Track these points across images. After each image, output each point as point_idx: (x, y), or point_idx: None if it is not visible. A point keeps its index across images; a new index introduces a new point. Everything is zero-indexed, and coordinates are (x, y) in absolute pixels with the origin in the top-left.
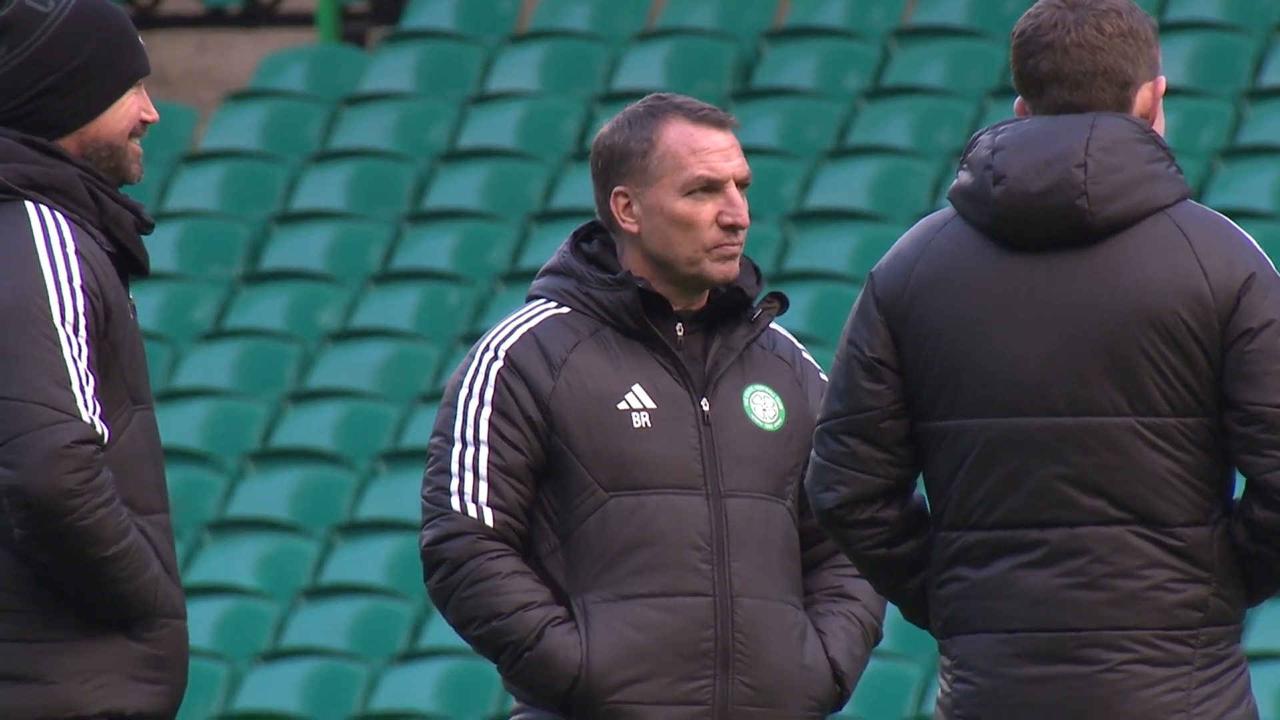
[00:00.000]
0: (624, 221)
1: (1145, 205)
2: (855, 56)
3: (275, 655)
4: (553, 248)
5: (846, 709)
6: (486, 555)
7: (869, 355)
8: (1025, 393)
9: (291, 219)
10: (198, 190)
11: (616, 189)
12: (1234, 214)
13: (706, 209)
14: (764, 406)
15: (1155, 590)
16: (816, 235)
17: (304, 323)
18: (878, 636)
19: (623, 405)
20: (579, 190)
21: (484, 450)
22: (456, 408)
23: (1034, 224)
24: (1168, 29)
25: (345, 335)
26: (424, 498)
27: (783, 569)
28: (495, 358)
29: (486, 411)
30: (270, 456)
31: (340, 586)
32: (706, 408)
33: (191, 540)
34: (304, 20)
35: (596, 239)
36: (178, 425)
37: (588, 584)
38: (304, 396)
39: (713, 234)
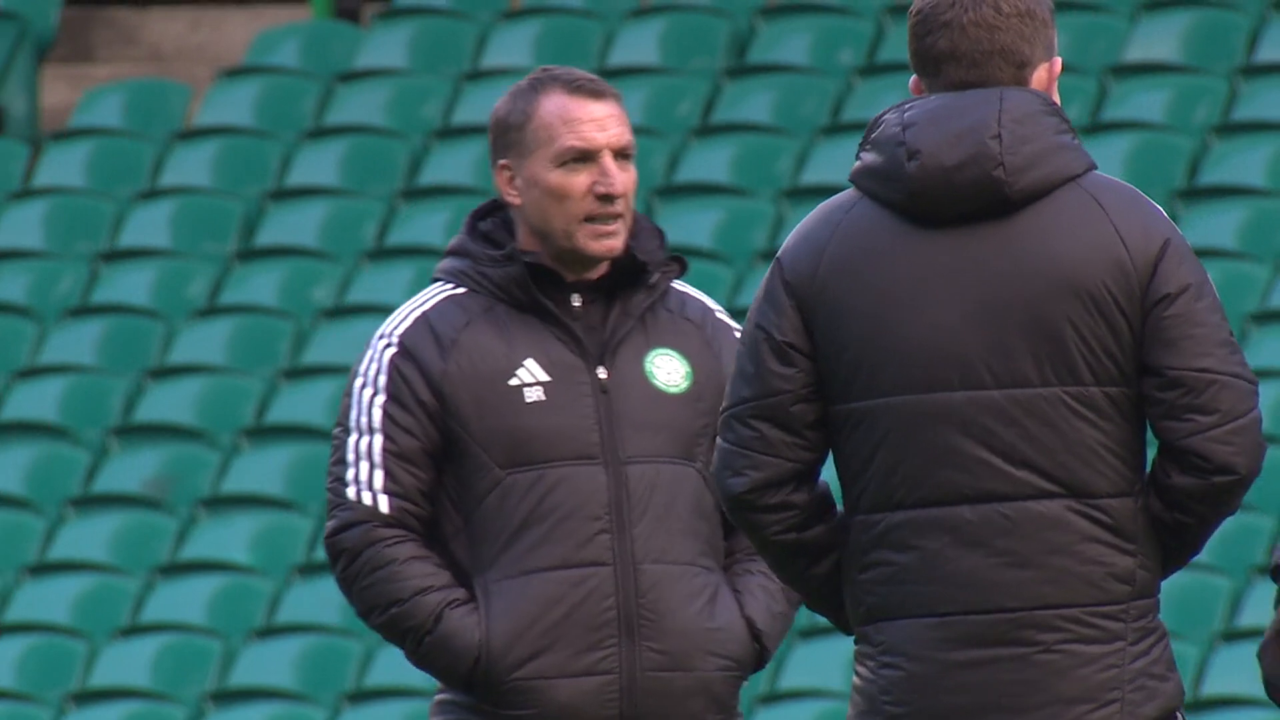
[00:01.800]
0: (508, 194)
1: (1058, 175)
2: (850, 33)
3: (269, 632)
4: None
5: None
6: (383, 543)
7: (779, 339)
8: (948, 367)
9: (285, 195)
10: (191, 167)
11: (500, 162)
12: (1229, 190)
13: (579, 179)
14: (668, 370)
15: (1086, 565)
16: (810, 211)
17: (298, 299)
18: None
19: (514, 381)
20: None
21: (378, 438)
22: (353, 397)
23: (950, 198)
24: (1161, 5)
25: (339, 311)
26: (326, 489)
27: (691, 532)
28: (389, 344)
29: (380, 399)
30: (264, 433)
31: None
32: (603, 375)
33: (185, 517)
34: None
35: (493, 217)
36: (171, 402)
37: (488, 563)
38: (298, 373)
39: (586, 204)
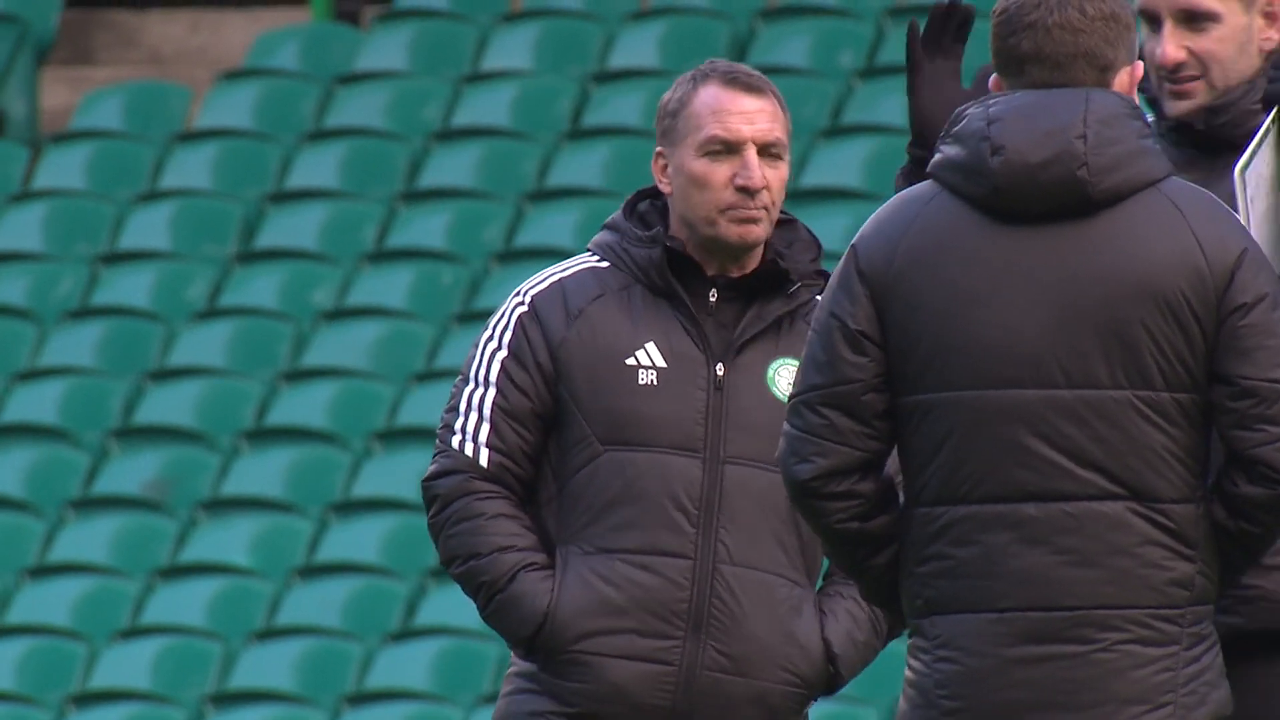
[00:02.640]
0: (661, 182)
1: (1140, 179)
2: (849, 35)
3: (269, 634)
4: (547, 226)
5: None
6: (475, 495)
7: (853, 327)
8: (1021, 365)
9: (285, 198)
10: (191, 169)
11: (657, 149)
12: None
13: (721, 170)
14: (789, 380)
15: (1147, 568)
16: (812, 214)
17: (298, 301)
18: (893, 627)
19: (631, 361)
20: (573, 169)
21: (491, 391)
22: (478, 348)
23: (1033, 195)
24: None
25: (339, 314)
26: (437, 431)
27: (781, 542)
28: (521, 303)
29: (502, 354)
30: (264, 435)
31: (334, 565)
32: (720, 372)
33: (185, 519)
34: None
35: (655, 200)
36: (171, 404)
37: (573, 535)
38: (298, 375)
39: (727, 195)
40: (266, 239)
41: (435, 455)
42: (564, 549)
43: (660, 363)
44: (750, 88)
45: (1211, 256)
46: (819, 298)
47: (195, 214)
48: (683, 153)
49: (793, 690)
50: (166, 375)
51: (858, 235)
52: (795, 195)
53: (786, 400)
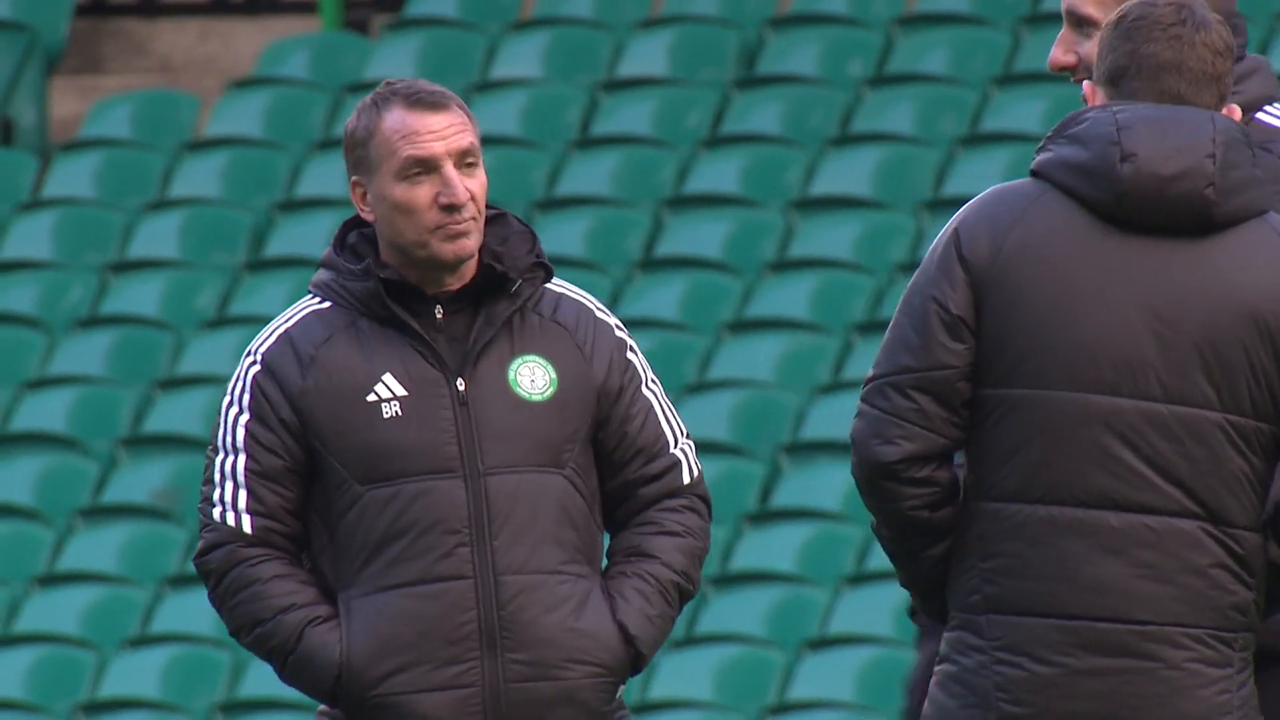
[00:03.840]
0: (362, 211)
1: (1253, 207)
2: (858, 44)
3: None
4: (554, 235)
5: None
6: (247, 563)
7: (955, 313)
8: (1120, 372)
9: (294, 206)
10: (201, 178)
11: (353, 179)
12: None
13: (423, 191)
14: (532, 377)
15: (1215, 590)
16: (820, 222)
17: None
18: (684, 591)
19: (372, 397)
20: (582, 178)
21: (241, 457)
22: (221, 416)
23: (1158, 207)
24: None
25: None
26: (198, 508)
27: (556, 540)
28: (255, 362)
29: (245, 418)
30: None
31: None
32: (462, 387)
33: (194, 527)
34: (307, 8)
35: (362, 229)
36: (180, 413)
37: (350, 579)
38: None
39: (433, 215)
40: (276, 248)
41: (201, 531)
42: (345, 595)
43: (401, 391)
44: (433, 104)
45: None
46: (554, 286)
47: (204, 223)
48: (381, 180)
49: (599, 681)
50: (175, 384)
51: (958, 220)
52: (804, 204)
53: (530, 398)
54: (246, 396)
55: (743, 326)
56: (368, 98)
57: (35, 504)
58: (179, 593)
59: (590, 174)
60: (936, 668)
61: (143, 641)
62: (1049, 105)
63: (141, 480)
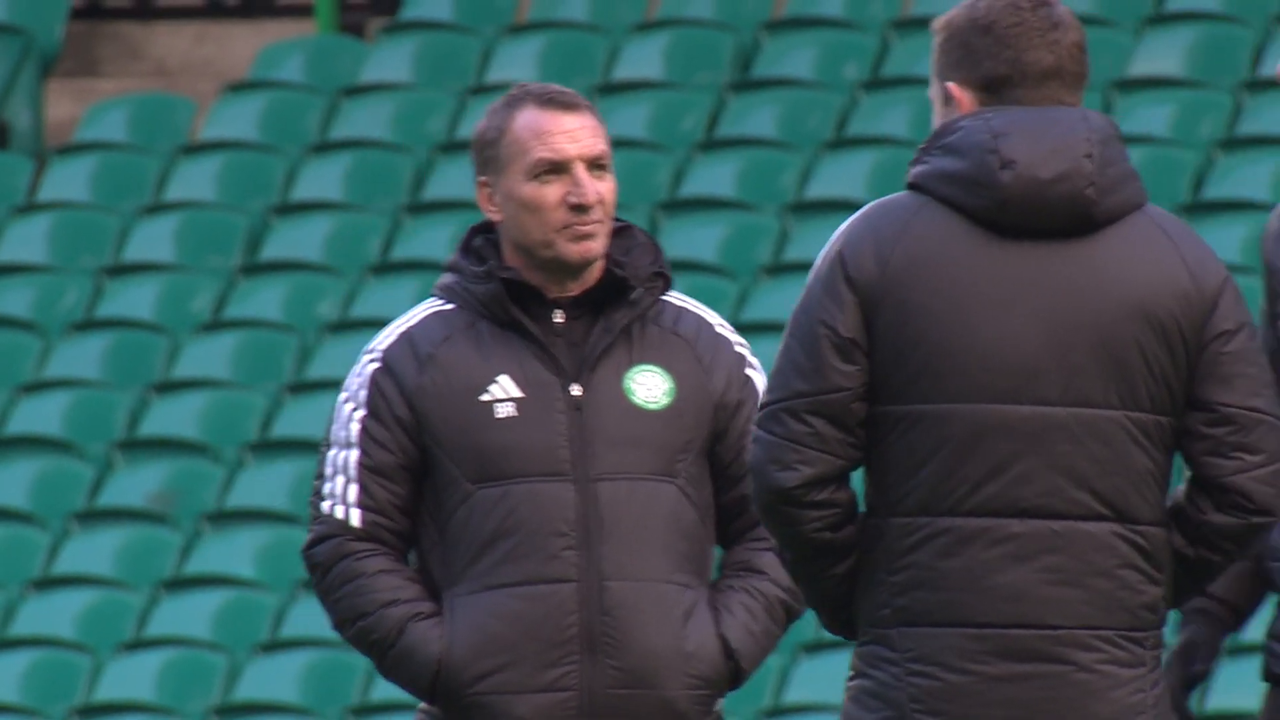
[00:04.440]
0: (489, 211)
1: (1132, 201)
2: (854, 47)
3: (274, 646)
4: None
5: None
6: (353, 556)
7: (844, 335)
8: (1018, 380)
9: (290, 210)
10: (196, 181)
11: (480, 179)
12: (1233, 205)
13: (552, 190)
14: (649, 386)
15: (1124, 590)
16: (815, 225)
17: (302, 314)
18: (790, 609)
19: (486, 397)
20: None
21: (355, 452)
22: (338, 411)
23: (1041, 211)
24: (1167, 20)
25: (344, 326)
26: (309, 501)
27: (665, 548)
28: (374, 359)
29: (360, 414)
30: (268, 447)
31: None
32: (577, 393)
33: (190, 531)
34: (302, 11)
35: (488, 233)
36: (176, 416)
37: (456, 577)
38: (302, 387)
39: (560, 215)
40: (271, 251)
41: (310, 523)
42: (449, 593)
43: (516, 393)
44: (567, 106)
45: (1198, 281)
46: (674, 298)
47: (200, 226)
48: (510, 179)
49: (697, 693)
50: (171, 387)
51: (841, 242)
52: (799, 207)
53: (646, 407)
54: (364, 393)
55: (739, 330)
56: (499, 99)
57: (31, 507)
58: (175, 596)
59: None
60: (849, 683)
61: (138, 645)
62: None
63: (137, 483)
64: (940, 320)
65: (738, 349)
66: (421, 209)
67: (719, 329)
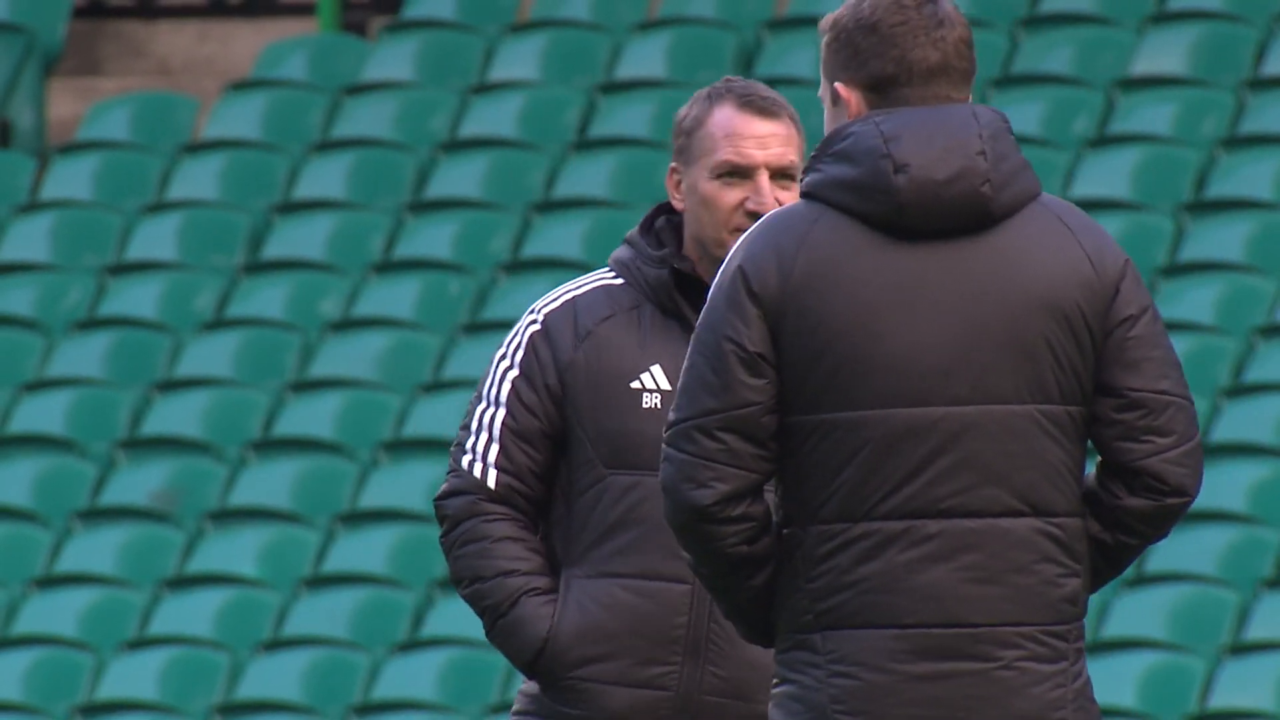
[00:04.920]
0: (674, 198)
1: (1027, 193)
2: None
3: (276, 645)
4: (554, 237)
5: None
6: (482, 517)
7: (751, 350)
8: (928, 382)
9: (292, 208)
10: (199, 180)
11: (672, 164)
12: (1235, 204)
13: (732, 194)
14: None
15: (1044, 585)
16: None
17: (305, 312)
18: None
19: (635, 384)
20: (580, 180)
21: (501, 411)
22: (493, 365)
23: (938, 212)
24: (1169, 18)
25: (346, 324)
26: (450, 450)
27: None
28: (535, 320)
29: (513, 374)
30: (271, 446)
31: (341, 576)
32: None
33: (193, 529)
34: (305, 10)
35: (669, 214)
36: (178, 415)
37: (577, 558)
38: (305, 386)
39: (736, 219)
40: (273, 250)
41: (448, 474)
42: (567, 572)
43: (665, 386)
44: (764, 110)
45: (1099, 268)
46: None
47: (202, 225)
48: (696, 172)
49: None
50: (174, 386)
51: (741, 256)
52: None
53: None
54: (520, 353)
55: None
56: (704, 89)
57: (33, 506)
58: (177, 595)
59: (588, 176)
60: (774, 690)
61: (141, 643)
62: (1047, 108)
63: (140, 482)
64: (846, 328)
65: None
66: (424, 208)
67: None
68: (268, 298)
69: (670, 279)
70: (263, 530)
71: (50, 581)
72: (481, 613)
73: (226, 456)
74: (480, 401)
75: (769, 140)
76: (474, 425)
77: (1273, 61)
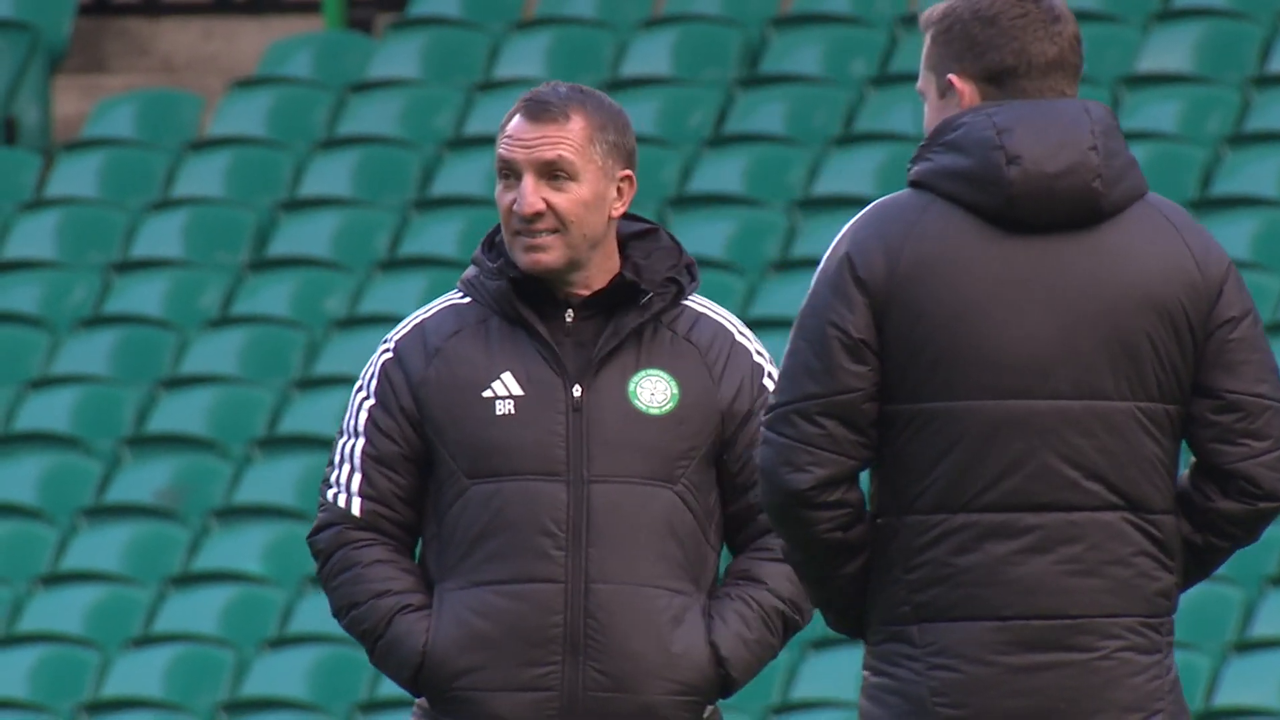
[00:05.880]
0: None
1: (1135, 191)
2: (861, 43)
3: (282, 642)
4: None
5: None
6: (351, 545)
7: (855, 336)
8: (1030, 375)
9: (298, 206)
10: (204, 177)
11: None
12: (1240, 201)
13: (508, 195)
14: (653, 391)
15: (1140, 578)
16: (822, 222)
17: (310, 309)
18: (790, 620)
19: (487, 393)
20: None
21: (361, 441)
22: (351, 401)
23: (1049, 205)
24: (1175, 16)
25: (351, 322)
26: (319, 487)
27: (659, 554)
28: (387, 349)
29: (369, 403)
30: (276, 443)
31: None
32: (578, 393)
33: (197, 527)
34: (310, 7)
35: None
36: (183, 412)
37: (448, 571)
38: (310, 383)
39: (513, 220)
40: (278, 247)
41: (318, 510)
42: (440, 586)
43: (517, 391)
44: (534, 113)
45: (1204, 269)
46: (695, 303)
47: (207, 222)
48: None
49: (681, 699)
50: (178, 383)
51: (848, 243)
52: (807, 203)
53: (648, 411)
54: (374, 382)
55: (747, 325)
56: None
57: (38, 503)
58: (182, 592)
59: None
60: (867, 682)
61: (146, 641)
62: None
63: (145, 480)
64: (952, 319)
65: (756, 358)
66: (429, 205)
67: (739, 337)
68: (273, 295)
69: (509, 288)
70: (268, 527)
71: (55, 579)
72: (360, 638)
73: (232, 454)
74: (342, 435)
75: (533, 141)
76: (336, 459)
77: (1278, 59)
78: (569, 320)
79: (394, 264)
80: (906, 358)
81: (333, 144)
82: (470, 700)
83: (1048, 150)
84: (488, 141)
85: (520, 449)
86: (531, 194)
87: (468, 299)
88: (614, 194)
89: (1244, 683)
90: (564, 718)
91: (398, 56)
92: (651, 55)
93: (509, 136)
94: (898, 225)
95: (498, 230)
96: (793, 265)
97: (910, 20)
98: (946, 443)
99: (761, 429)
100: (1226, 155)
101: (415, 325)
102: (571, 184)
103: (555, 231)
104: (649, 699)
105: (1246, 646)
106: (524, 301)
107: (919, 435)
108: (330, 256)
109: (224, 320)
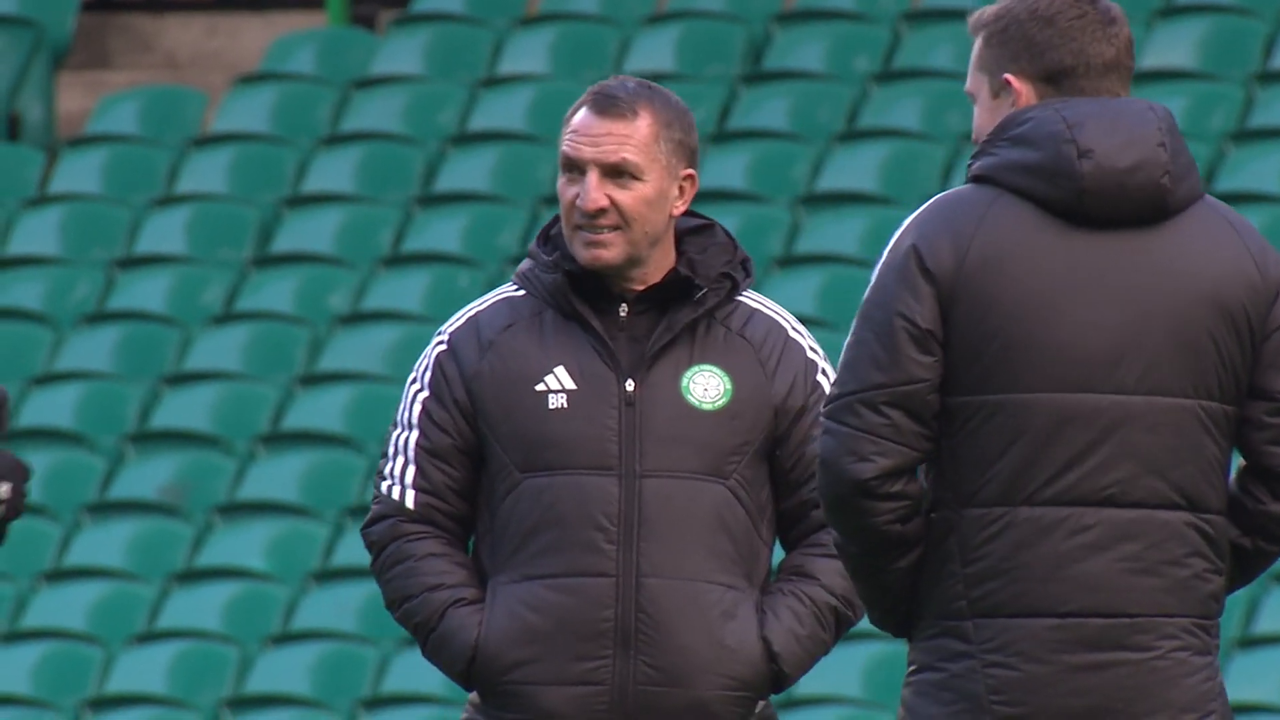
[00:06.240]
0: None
1: (1196, 190)
2: (865, 39)
3: (285, 638)
4: None
5: None
6: (405, 538)
7: (923, 327)
8: (1095, 369)
9: (301, 202)
10: (208, 173)
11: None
12: (1244, 197)
13: (571, 190)
14: (705, 386)
15: (1194, 579)
16: (826, 218)
17: (314, 306)
18: (842, 616)
19: (540, 387)
20: None
21: (415, 433)
22: (405, 392)
23: (1119, 200)
24: (1178, 12)
25: (355, 318)
26: (373, 481)
27: (709, 548)
28: (442, 342)
29: (423, 395)
30: (280, 439)
31: (350, 569)
32: (631, 388)
33: (201, 523)
34: (313, 3)
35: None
36: (187, 408)
37: (501, 565)
38: (314, 379)
39: (574, 215)
40: (282, 243)
41: (371, 502)
42: (493, 580)
43: (570, 385)
44: (603, 109)
45: (1263, 271)
46: (750, 299)
47: (211, 218)
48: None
49: (732, 694)
50: (183, 380)
51: (914, 235)
52: (811, 199)
53: (700, 407)
54: (428, 374)
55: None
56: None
57: (42, 499)
58: (185, 589)
59: None
60: (914, 677)
61: (149, 637)
62: None
63: (149, 476)
64: (1019, 312)
65: (810, 354)
66: (433, 201)
67: (792, 333)
68: (277, 291)
69: (564, 282)
70: (271, 524)
71: (59, 575)
72: (413, 631)
73: (235, 450)
74: (396, 427)
75: (601, 139)
76: (390, 451)
77: (1277, 59)
78: (623, 315)
79: (397, 260)
80: (972, 349)
81: (336, 140)
82: (521, 694)
83: (1117, 145)
84: (491, 138)
85: (572, 443)
86: (595, 190)
87: (522, 292)
88: (676, 192)
89: (1247, 679)
90: (614, 712)
91: (401, 53)
92: (655, 51)
93: (574, 131)
94: (965, 218)
95: (554, 223)
96: (796, 261)
97: (913, 16)
98: (1011, 435)
99: (822, 419)
100: (1230, 151)
101: (469, 318)
102: (636, 182)
103: (617, 228)
104: (700, 694)
105: (1250, 643)
106: (579, 295)
107: (983, 428)
108: (334, 253)
109: (227, 316)
